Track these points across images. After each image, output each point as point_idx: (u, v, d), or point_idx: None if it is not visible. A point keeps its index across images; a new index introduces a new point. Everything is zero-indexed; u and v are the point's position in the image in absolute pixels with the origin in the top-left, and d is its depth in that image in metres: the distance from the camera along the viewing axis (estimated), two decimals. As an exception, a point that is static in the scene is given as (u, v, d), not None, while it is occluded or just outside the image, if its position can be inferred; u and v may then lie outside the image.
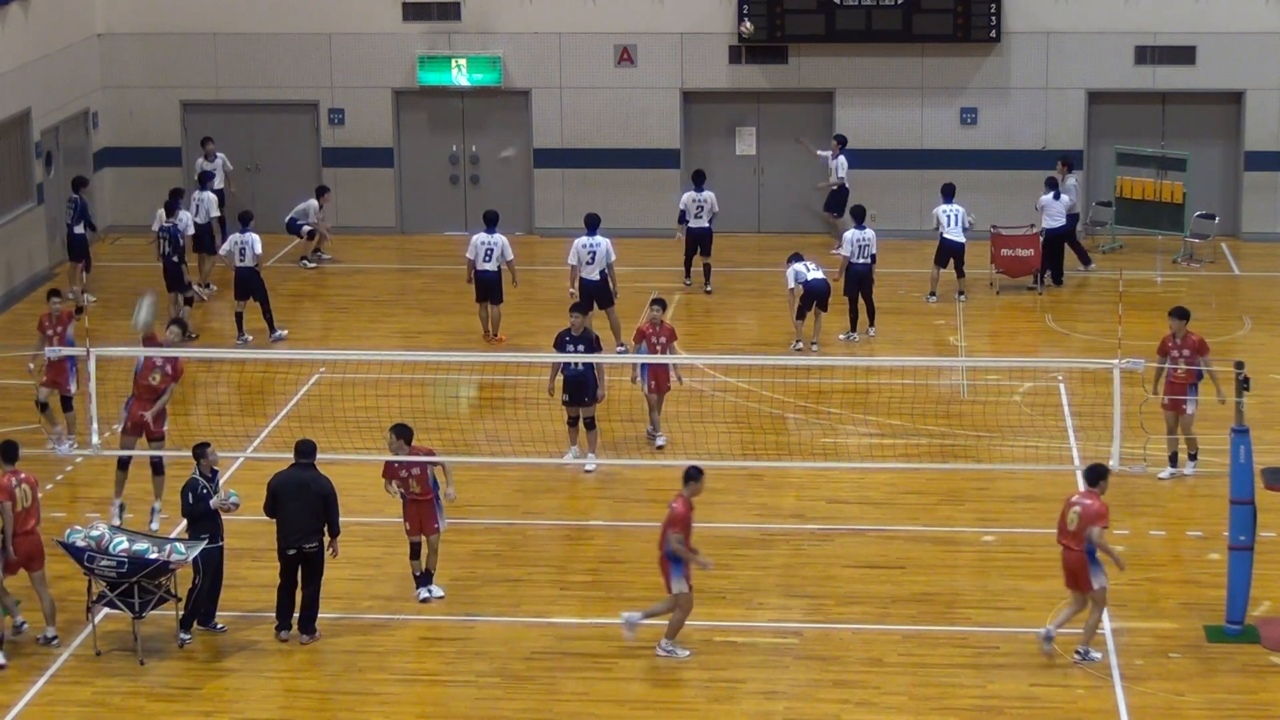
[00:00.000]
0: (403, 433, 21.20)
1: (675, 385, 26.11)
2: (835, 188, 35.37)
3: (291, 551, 20.33)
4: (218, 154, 35.15)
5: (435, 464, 21.33)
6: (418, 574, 21.50)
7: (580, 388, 25.04)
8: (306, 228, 34.63)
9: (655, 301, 26.34)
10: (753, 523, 23.57)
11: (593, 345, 25.08)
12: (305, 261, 34.82)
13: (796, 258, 29.93)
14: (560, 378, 25.25)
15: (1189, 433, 24.52)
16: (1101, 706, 19.04)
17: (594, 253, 29.66)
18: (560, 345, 25.21)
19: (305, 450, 20.59)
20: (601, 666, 19.96)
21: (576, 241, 29.93)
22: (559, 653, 20.25)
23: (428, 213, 37.08)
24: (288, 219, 34.83)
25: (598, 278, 29.64)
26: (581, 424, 25.17)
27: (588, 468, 25.03)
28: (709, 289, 32.99)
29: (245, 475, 23.96)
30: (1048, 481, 24.46)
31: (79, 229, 32.64)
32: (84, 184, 33.40)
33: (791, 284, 29.69)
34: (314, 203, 34.77)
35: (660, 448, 25.73)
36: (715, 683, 19.62)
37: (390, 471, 21.35)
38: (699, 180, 33.01)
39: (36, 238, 34.18)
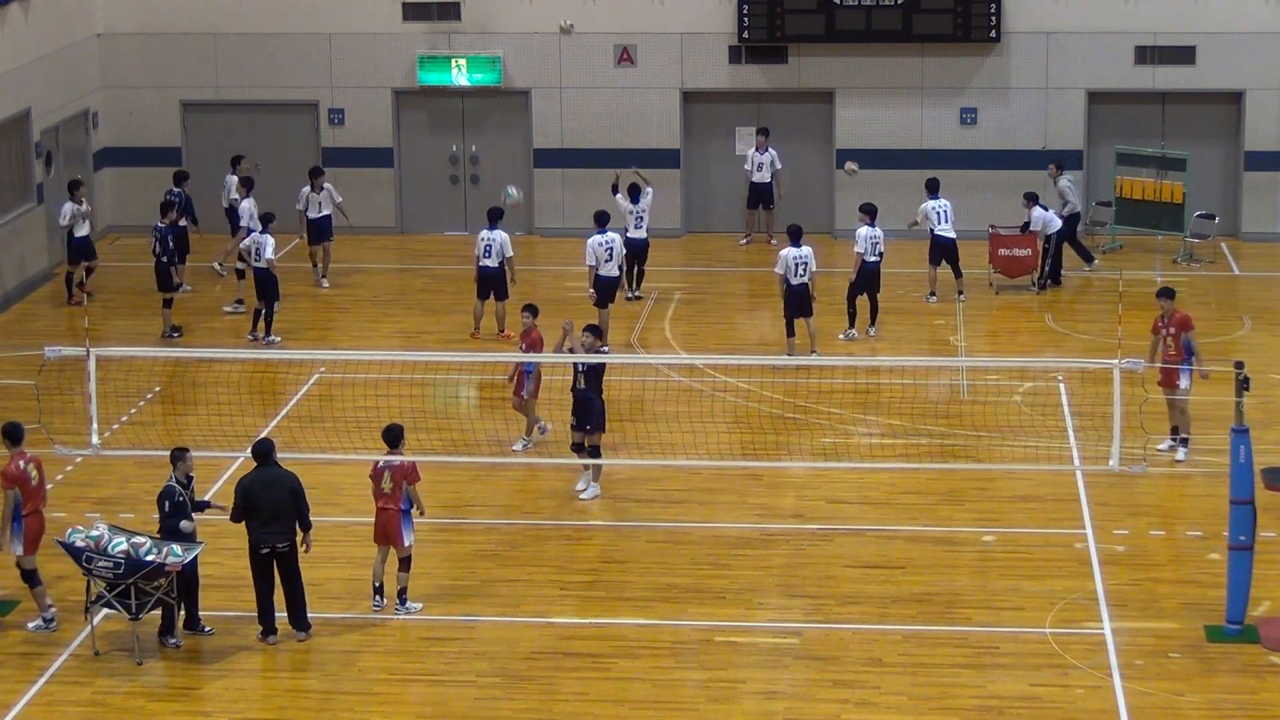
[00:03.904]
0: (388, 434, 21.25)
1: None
2: (760, 182, 35.47)
3: (264, 550, 20.23)
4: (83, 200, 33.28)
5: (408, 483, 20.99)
6: (378, 584, 21.15)
7: (584, 411, 23.95)
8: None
9: (527, 308, 25.76)
10: (753, 523, 23.55)
11: (594, 370, 23.90)
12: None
13: (795, 242, 29.45)
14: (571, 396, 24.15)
15: (1184, 411, 24.57)
16: (1101, 706, 19.03)
17: (611, 249, 29.64)
18: (574, 372, 24.11)
19: (266, 449, 20.51)
20: (601, 666, 19.95)
21: (591, 240, 29.83)
22: (559, 653, 20.23)
23: (428, 213, 37.06)
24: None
25: (616, 273, 29.75)
26: (587, 450, 24.11)
27: (584, 495, 24.19)
28: (638, 294, 32.47)
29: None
30: (1048, 481, 24.45)
31: (181, 222, 32.08)
32: (186, 178, 33.33)
33: (779, 270, 29.35)
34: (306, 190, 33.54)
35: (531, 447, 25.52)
36: (715, 683, 19.61)
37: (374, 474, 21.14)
38: (634, 193, 32.36)
39: (36, 238, 34.16)
